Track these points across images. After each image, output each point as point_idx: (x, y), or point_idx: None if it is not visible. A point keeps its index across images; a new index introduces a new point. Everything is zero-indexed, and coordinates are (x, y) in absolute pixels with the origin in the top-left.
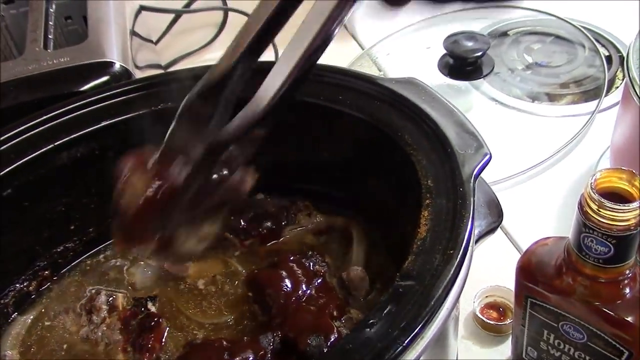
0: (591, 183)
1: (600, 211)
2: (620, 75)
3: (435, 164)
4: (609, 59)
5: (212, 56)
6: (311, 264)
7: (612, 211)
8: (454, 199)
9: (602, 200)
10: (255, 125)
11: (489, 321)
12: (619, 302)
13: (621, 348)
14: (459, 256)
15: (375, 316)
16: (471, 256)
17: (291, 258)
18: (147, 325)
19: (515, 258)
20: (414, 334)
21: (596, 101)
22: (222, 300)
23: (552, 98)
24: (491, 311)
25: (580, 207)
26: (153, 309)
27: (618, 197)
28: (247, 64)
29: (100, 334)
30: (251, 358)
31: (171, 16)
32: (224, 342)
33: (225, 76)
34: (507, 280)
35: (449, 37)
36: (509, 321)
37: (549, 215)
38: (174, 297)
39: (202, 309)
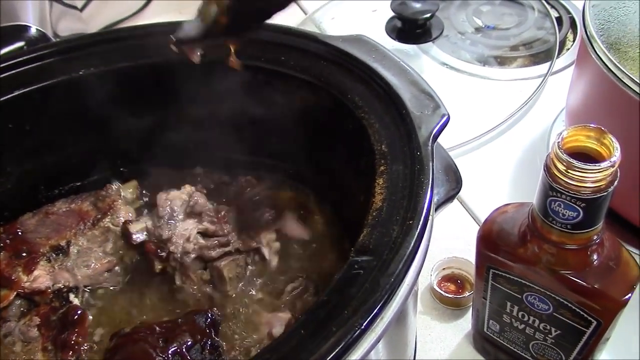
0: (558, 142)
1: (568, 172)
2: (571, 37)
3: (389, 127)
4: (559, 20)
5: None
6: None
7: (582, 172)
8: (411, 165)
9: (571, 160)
10: None
11: (447, 294)
12: (587, 269)
13: (589, 318)
14: (419, 226)
15: (330, 297)
16: (431, 226)
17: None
18: (70, 319)
19: (471, 227)
20: (372, 315)
21: (548, 64)
22: None
23: (502, 61)
24: (449, 284)
25: (547, 168)
26: (76, 302)
27: (586, 157)
28: None
29: (17, 332)
30: (190, 343)
31: None
32: (157, 328)
33: None
34: (463, 251)
35: None
36: (468, 294)
37: (503, 182)
38: None
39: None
